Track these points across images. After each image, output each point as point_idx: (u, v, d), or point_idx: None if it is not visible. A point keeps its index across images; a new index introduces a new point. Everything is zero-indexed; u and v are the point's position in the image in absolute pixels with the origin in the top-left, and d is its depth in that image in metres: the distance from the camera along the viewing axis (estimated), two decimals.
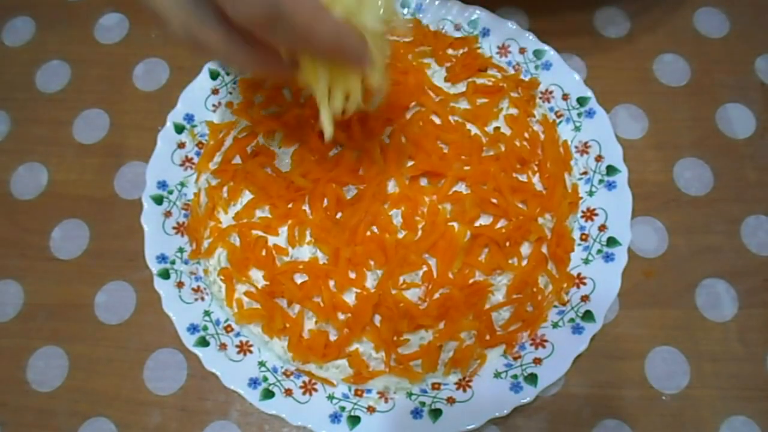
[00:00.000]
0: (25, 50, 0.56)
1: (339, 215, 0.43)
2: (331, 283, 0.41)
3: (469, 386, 0.42)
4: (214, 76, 0.49)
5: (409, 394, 0.42)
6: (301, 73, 0.32)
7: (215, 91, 0.49)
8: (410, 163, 0.43)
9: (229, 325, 0.44)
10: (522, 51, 0.49)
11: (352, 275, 0.41)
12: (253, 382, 0.41)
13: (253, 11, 0.24)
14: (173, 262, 0.45)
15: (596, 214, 0.45)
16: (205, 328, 0.43)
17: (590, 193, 0.46)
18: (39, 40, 0.56)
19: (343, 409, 0.41)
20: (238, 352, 0.43)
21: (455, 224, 0.42)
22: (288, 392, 0.41)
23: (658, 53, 0.52)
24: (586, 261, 0.44)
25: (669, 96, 0.51)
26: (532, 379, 0.41)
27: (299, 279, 0.42)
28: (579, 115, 0.48)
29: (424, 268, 0.41)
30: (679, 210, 0.47)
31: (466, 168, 0.43)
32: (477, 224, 0.42)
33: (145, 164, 0.47)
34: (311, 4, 0.26)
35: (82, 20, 0.56)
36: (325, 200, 0.43)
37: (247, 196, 0.44)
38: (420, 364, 0.41)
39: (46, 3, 0.57)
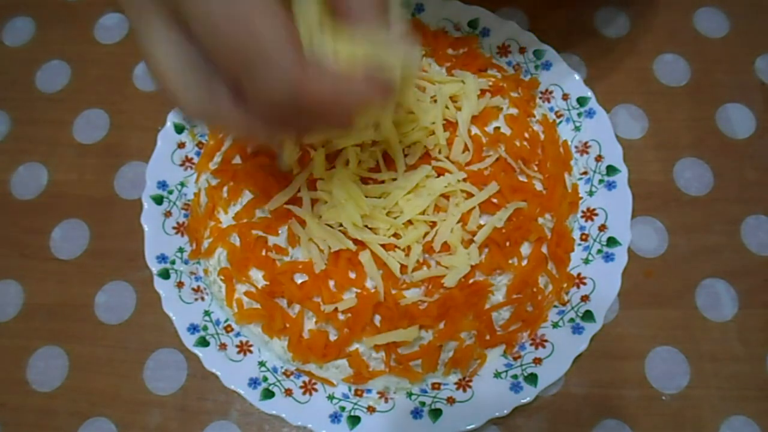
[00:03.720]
0: (25, 50, 0.56)
1: None
2: (331, 283, 0.41)
3: (469, 386, 0.42)
4: None
5: (409, 394, 0.42)
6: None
7: None
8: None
9: (229, 325, 0.44)
10: (522, 51, 0.49)
11: (352, 275, 0.41)
12: (253, 382, 0.41)
13: (275, 97, 0.23)
14: (173, 262, 0.45)
15: (596, 214, 0.45)
16: (205, 328, 0.43)
17: (590, 193, 0.46)
18: (39, 40, 0.56)
19: (343, 409, 0.41)
20: (238, 352, 0.43)
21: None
22: (288, 392, 0.41)
23: (658, 53, 0.52)
24: (586, 261, 0.44)
25: (669, 96, 0.51)
26: (532, 379, 0.41)
27: (299, 279, 0.42)
28: (579, 115, 0.48)
29: (425, 268, 0.41)
30: (679, 210, 0.47)
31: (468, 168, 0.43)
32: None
33: (145, 164, 0.47)
34: (330, 89, 0.24)
35: (82, 20, 0.56)
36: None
37: (247, 196, 0.44)
38: (420, 364, 0.41)
39: (46, 3, 0.57)
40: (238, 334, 0.43)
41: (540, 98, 0.49)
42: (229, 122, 0.26)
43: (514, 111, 0.46)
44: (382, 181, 0.42)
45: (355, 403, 0.41)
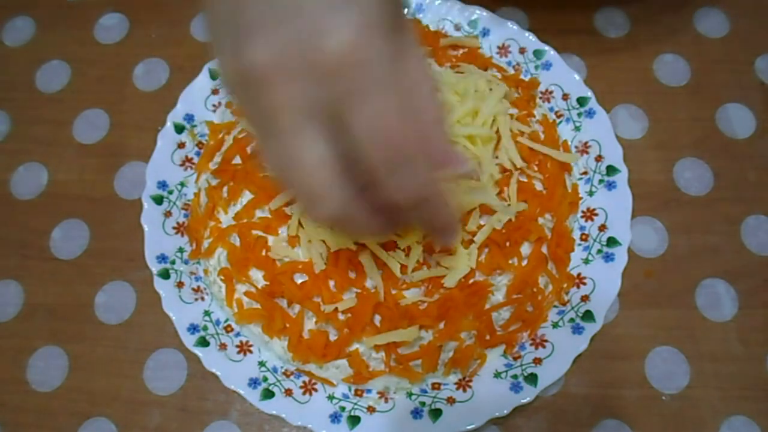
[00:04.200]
0: (25, 50, 0.56)
1: None
2: (331, 283, 0.41)
3: (469, 386, 0.42)
4: (214, 76, 0.49)
5: (409, 394, 0.42)
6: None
7: (215, 91, 0.49)
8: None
9: (229, 325, 0.44)
10: (522, 51, 0.49)
11: (352, 275, 0.41)
12: (253, 382, 0.41)
13: (410, 195, 0.27)
14: (173, 262, 0.45)
15: (596, 214, 0.45)
16: (205, 328, 0.43)
17: (590, 193, 0.46)
18: (39, 40, 0.56)
19: (343, 409, 0.41)
20: (238, 352, 0.43)
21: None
22: (288, 392, 0.41)
23: (658, 53, 0.52)
24: (586, 261, 0.44)
25: (669, 96, 0.51)
26: (532, 379, 0.41)
27: (299, 279, 0.42)
28: (579, 115, 0.48)
29: (424, 269, 0.41)
30: (679, 210, 0.47)
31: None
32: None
33: (145, 164, 0.47)
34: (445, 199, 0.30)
35: (82, 20, 0.56)
36: None
37: (247, 196, 0.44)
38: (420, 364, 0.41)
39: (46, 3, 0.57)
40: (238, 334, 0.43)
41: (540, 98, 0.49)
42: (359, 220, 0.29)
43: (514, 111, 0.46)
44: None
45: (355, 403, 0.41)
